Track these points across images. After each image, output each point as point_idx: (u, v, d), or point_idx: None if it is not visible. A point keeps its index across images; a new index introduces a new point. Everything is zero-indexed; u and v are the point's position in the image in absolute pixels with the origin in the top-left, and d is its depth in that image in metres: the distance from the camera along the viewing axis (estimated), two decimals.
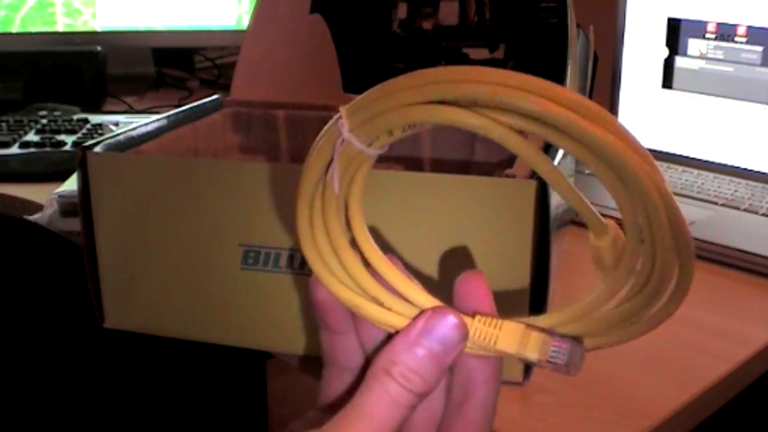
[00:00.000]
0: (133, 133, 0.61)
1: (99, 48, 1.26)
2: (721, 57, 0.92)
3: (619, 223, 0.32)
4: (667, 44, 0.96)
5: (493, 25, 0.80)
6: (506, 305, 0.51)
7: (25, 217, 0.80)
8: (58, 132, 1.01)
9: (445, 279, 0.52)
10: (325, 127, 0.31)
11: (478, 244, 0.51)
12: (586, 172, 0.97)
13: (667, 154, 0.97)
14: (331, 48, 0.77)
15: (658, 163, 0.29)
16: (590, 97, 0.89)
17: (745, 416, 0.75)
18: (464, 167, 0.72)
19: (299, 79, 0.77)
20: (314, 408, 0.34)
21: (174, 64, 1.43)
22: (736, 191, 0.86)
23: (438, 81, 0.28)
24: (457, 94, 0.28)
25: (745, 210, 0.82)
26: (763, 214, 0.81)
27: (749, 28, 0.90)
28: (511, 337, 0.31)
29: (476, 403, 0.32)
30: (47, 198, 0.80)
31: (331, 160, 0.31)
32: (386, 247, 0.52)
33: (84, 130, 1.02)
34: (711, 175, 0.92)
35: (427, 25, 0.83)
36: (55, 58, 1.24)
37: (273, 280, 0.53)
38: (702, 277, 0.72)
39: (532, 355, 0.31)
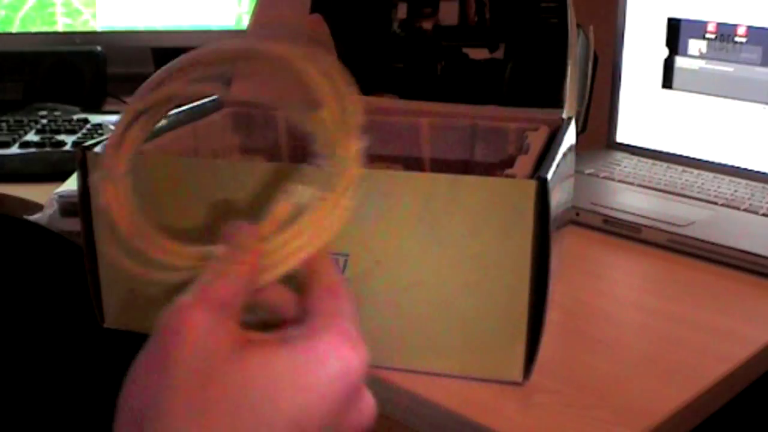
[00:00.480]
0: None
1: (99, 48, 1.26)
2: (721, 57, 0.92)
3: None
4: (667, 44, 0.96)
5: (493, 25, 0.80)
6: (506, 305, 0.52)
7: (25, 217, 0.80)
8: (58, 132, 1.01)
9: (445, 278, 0.52)
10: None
11: (478, 244, 0.51)
12: (587, 172, 0.98)
13: (667, 154, 0.97)
14: (331, 48, 0.77)
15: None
16: (590, 97, 0.89)
17: (745, 416, 0.75)
18: (464, 167, 0.72)
19: None
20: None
21: None
22: (736, 191, 0.86)
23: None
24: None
25: (745, 210, 0.82)
26: (763, 214, 0.81)
27: (749, 28, 0.90)
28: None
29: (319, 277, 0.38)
30: (47, 198, 0.80)
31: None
32: (386, 247, 0.52)
33: (84, 130, 1.02)
34: (711, 175, 0.92)
35: (427, 25, 0.83)
36: (55, 58, 1.24)
37: None
38: (702, 277, 0.72)
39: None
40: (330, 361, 0.35)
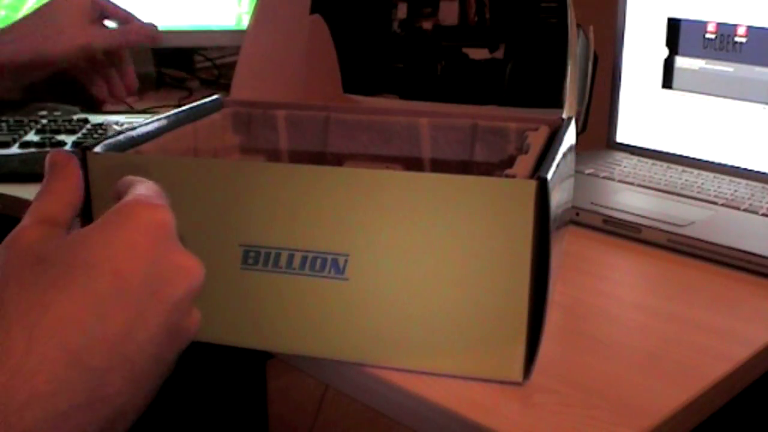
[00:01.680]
0: (133, 133, 0.61)
1: None
2: (721, 57, 0.92)
3: None
4: (667, 44, 0.96)
5: (493, 25, 0.81)
6: (506, 305, 0.52)
7: None
8: (58, 132, 1.01)
9: (445, 278, 0.52)
10: None
11: (478, 244, 0.51)
12: (587, 172, 0.98)
13: (667, 154, 0.97)
14: (331, 48, 0.77)
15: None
16: (590, 97, 0.89)
17: (745, 416, 0.75)
18: (464, 167, 0.72)
19: (299, 79, 0.77)
20: None
21: (174, 64, 1.43)
22: (736, 191, 0.86)
23: None
24: None
25: (745, 210, 0.82)
26: (763, 214, 0.81)
27: (749, 28, 0.90)
28: None
29: None
30: None
31: None
32: (386, 247, 0.52)
33: (84, 130, 1.02)
34: (711, 175, 0.92)
35: (427, 25, 0.83)
36: None
37: (273, 280, 0.53)
38: (702, 277, 0.72)
39: None
40: (133, 217, 0.40)
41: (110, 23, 1.07)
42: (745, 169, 0.91)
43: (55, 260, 0.37)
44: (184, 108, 0.70)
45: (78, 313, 0.36)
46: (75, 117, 1.07)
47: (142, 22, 1.08)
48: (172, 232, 0.41)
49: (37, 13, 1.00)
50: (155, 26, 1.08)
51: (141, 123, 0.63)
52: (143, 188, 0.43)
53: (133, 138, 0.60)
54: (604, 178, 0.91)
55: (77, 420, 0.35)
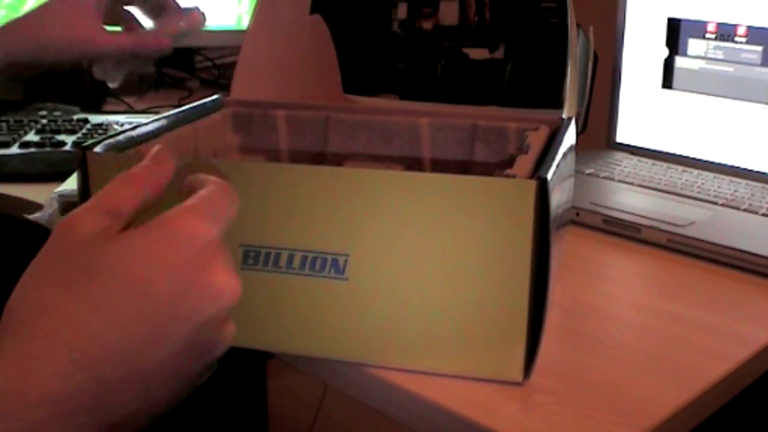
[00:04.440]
0: (133, 133, 0.61)
1: None
2: (721, 57, 0.92)
3: None
4: (667, 44, 0.96)
5: (493, 25, 0.81)
6: (506, 305, 0.52)
7: (25, 216, 0.80)
8: (58, 132, 1.01)
9: (445, 278, 0.52)
10: None
11: (478, 244, 0.51)
12: (587, 172, 0.98)
13: (667, 154, 0.97)
14: (331, 48, 0.77)
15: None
16: (590, 97, 0.89)
17: (745, 416, 0.75)
18: (464, 167, 0.72)
19: (299, 79, 0.77)
20: None
21: (174, 64, 1.43)
22: (736, 191, 0.86)
23: None
24: None
25: (745, 210, 0.82)
26: (763, 214, 0.81)
27: (749, 28, 0.90)
28: None
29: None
30: (47, 198, 0.80)
31: None
32: (386, 247, 0.52)
33: (84, 130, 1.02)
34: (711, 175, 0.92)
35: (427, 25, 0.83)
36: None
37: (273, 280, 0.53)
38: (702, 277, 0.72)
39: None
40: (174, 232, 0.39)
41: (134, 10, 0.94)
42: (745, 169, 0.91)
43: (97, 269, 0.37)
44: (184, 108, 0.70)
45: (102, 329, 0.36)
46: (75, 117, 1.07)
47: (154, 31, 0.94)
48: (214, 248, 0.40)
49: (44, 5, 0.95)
50: (170, 32, 0.93)
51: (141, 123, 0.63)
52: (202, 196, 0.41)
53: (133, 138, 0.60)
54: (604, 178, 0.91)
55: (80, 420, 0.36)
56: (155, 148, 0.44)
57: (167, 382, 0.39)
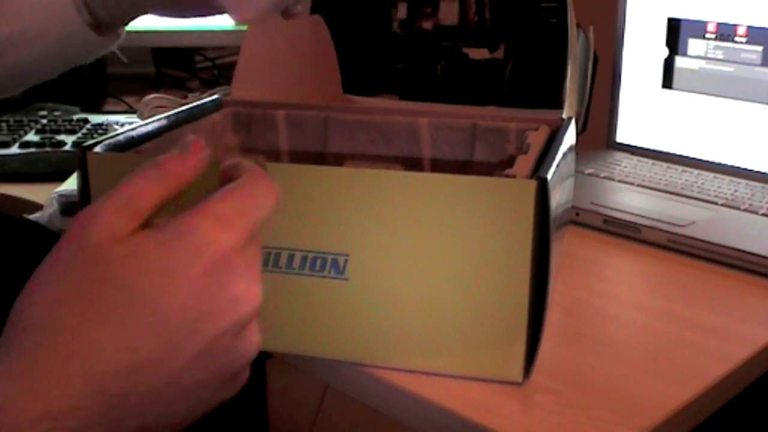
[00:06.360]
0: (133, 133, 0.61)
1: None
2: (721, 57, 0.92)
3: None
4: (667, 44, 0.96)
5: (493, 25, 0.81)
6: (506, 305, 0.52)
7: (25, 216, 0.80)
8: (58, 132, 1.01)
9: (445, 278, 0.52)
10: None
11: (478, 244, 0.51)
12: (587, 172, 0.98)
13: (667, 154, 0.97)
14: (331, 48, 0.77)
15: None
16: (590, 97, 0.89)
17: (745, 416, 0.75)
18: (464, 167, 0.72)
19: (299, 79, 0.76)
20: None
21: (174, 64, 1.43)
22: (736, 191, 0.86)
23: None
24: None
25: (745, 210, 0.82)
26: (763, 214, 0.81)
27: (749, 28, 0.90)
28: None
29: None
30: (47, 198, 0.80)
31: None
32: (386, 247, 0.52)
33: (84, 130, 1.02)
34: (711, 175, 0.92)
35: (427, 25, 0.83)
36: None
37: (273, 280, 0.53)
38: (702, 277, 0.72)
39: None
40: (192, 241, 0.37)
41: None
42: (745, 169, 0.91)
43: (110, 279, 0.36)
44: (184, 108, 0.70)
45: (111, 343, 0.36)
46: (75, 117, 1.07)
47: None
48: (231, 255, 0.38)
49: None
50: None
51: (141, 123, 0.63)
52: (228, 194, 0.39)
53: (133, 138, 0.60)
54: (604, 178, 0.91)
55: None
56: (188, 137, 0.41)
57: (183, 395, 0.38)
